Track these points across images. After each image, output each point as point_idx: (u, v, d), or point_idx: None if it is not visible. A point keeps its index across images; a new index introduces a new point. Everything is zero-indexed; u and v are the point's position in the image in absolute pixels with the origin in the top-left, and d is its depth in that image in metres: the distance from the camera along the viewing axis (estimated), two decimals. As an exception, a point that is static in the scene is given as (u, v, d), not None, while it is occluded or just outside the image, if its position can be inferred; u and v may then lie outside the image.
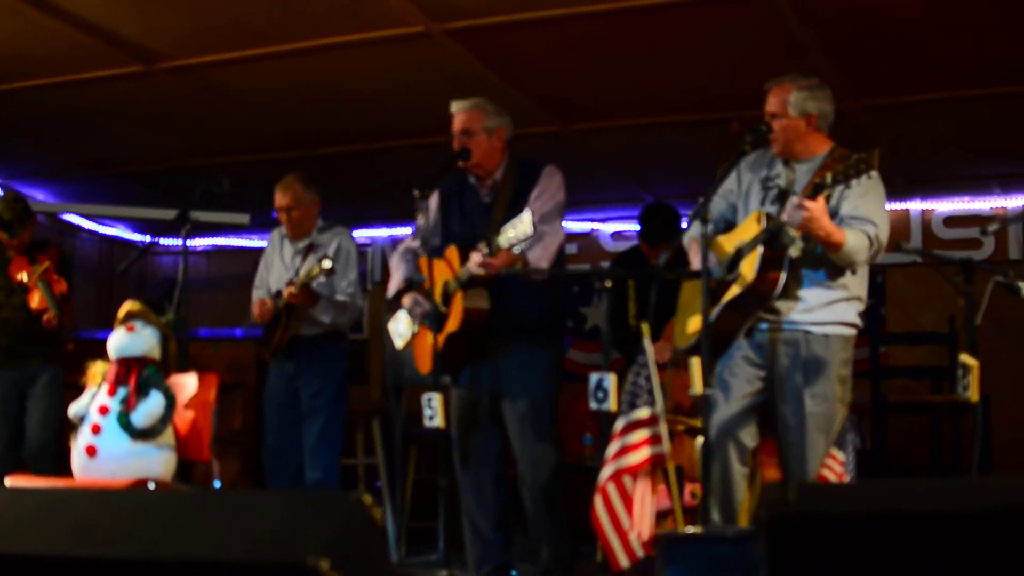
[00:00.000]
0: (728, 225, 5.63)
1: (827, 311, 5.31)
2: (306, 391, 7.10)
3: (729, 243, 5.42)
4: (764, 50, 6.41)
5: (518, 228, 5.14)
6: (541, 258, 5.68)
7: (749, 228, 5.29)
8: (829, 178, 4.87)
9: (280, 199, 7.19)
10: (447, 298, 5.75)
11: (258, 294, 7.30)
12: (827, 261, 5.25)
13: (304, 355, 7.09)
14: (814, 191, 4.94)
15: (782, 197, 5.32)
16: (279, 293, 7.06)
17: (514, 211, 5.65)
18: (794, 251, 5.12)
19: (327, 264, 6.44)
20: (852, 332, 5.39)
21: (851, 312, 5.36)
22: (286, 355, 7.10)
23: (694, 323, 5.37)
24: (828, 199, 5.02)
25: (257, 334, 8.17)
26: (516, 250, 5.35)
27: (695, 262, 5.40)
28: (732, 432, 5.37)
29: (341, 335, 7.25)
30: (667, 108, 7.51)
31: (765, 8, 5.88)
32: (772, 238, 5.11)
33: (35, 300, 7.03)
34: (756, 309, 5.27)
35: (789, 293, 5.21)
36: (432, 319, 5.65)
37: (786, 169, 5.44)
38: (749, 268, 5.15)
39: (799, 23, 6.01)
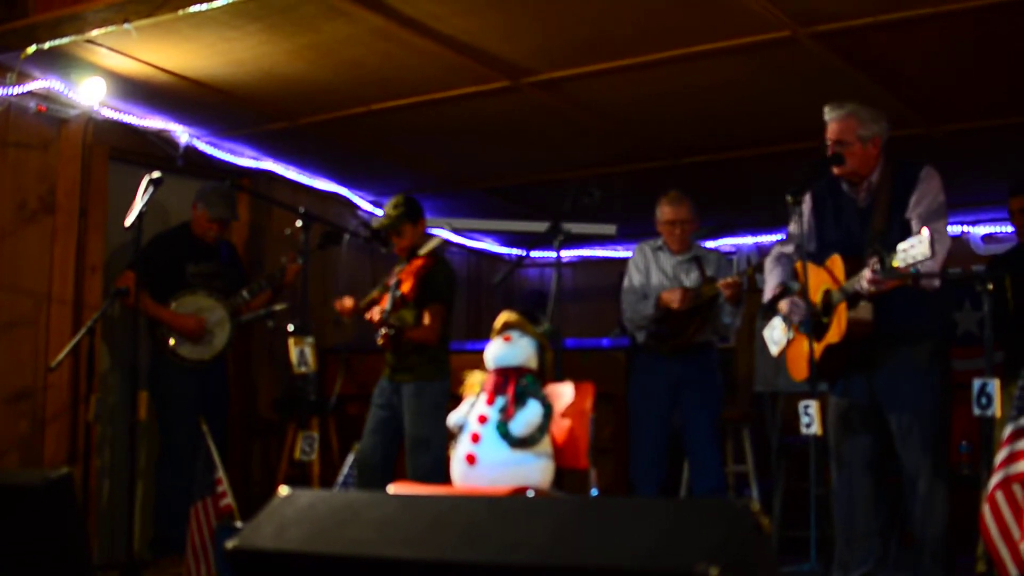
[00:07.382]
0: None
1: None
2: (691, 398, 7.17)
3: None
4: None
5: (916, 248, 5.01)
6: (932, 267, 5.44)
7: None
8: None
9: (674, 213, 7.30)
10: (828, 307, 5.68)
11: (632, 298, 7.36)
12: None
13: (691, 362, 7.18)
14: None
15: None
16: (657, 303, 7.13)
17: (894, 216, 5.57)
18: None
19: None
20: None
21: None
22: (673, 358, 7.19)
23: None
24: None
25: (623, 343, 8.24)
26: (912, 270, 5.18)
27: None
28: None
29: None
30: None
31: None
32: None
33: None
34: None
35: None
36: (810, 326, 5.59)
37: None
38: None
39: None
